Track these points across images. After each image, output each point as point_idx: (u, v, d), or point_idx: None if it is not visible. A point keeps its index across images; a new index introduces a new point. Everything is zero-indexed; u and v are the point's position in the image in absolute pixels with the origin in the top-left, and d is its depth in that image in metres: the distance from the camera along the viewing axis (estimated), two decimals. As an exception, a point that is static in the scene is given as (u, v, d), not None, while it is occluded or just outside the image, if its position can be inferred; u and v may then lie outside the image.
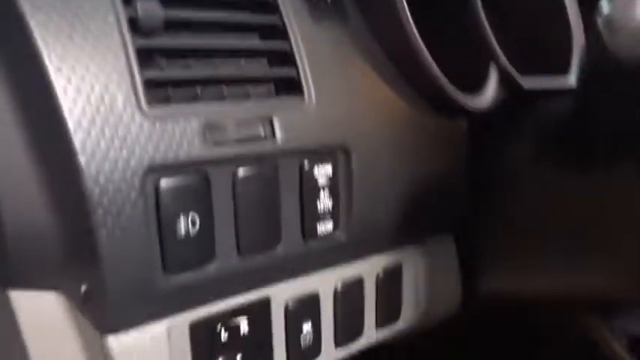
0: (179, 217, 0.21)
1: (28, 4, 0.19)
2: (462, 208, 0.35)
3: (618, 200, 0.29)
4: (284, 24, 0.25)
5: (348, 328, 0.31)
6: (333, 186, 0.26)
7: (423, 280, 0.35)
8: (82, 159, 0.19)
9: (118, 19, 0.20)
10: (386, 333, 0.34)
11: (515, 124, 0.34)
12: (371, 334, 0.32)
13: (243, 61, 0.25)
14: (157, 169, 0.21)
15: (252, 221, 0.24)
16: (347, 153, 0.27)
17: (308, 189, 0.25)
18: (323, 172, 0.26)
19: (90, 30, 0.20)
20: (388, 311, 0.33)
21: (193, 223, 0.22)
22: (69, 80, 0.19)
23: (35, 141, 0.20)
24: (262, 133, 0.23)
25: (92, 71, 0.20)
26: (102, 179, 0.19)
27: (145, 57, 0.21)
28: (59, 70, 0.19)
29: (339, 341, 0.30)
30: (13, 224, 0.21)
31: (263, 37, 0.25)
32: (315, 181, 0.26)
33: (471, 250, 0.37)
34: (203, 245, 0.22)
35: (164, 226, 0.21)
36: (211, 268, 0.23)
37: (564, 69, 0.37)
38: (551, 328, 0.43)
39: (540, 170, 0.33)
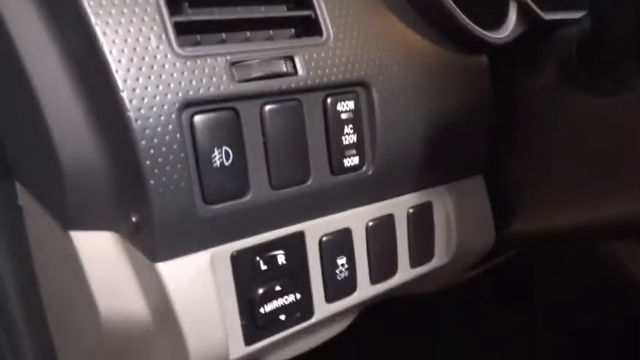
0: (214, 151, 0.23)
1: None
2: (489, 147, 0.36)
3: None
4: None
5: (382, 265, 0.32)
6: (356, 121, 0.27)
7: (455, 219, 0.36)
8: (124, 94, 0.21)
9: None
10: (420, 271, 0.35)
11: (535, 55, 0.34)
12: (405, 272, 0.34)
13: (263, 9, 0.27)
14: (190, 104, 0.23)
15: (281, 155, 0.25)
16: (367, 88, 0.28)
17: (332, 124, 0.27)
18: (346, 108, 0.27)
19: None
20: (421, 249, 0.34)
21: (227, 156, 0.24)
22: (107, 24, 0.21)
23: (82, 82, 0.23)
24: (285, 69, 0.25)
25: (127, 16, 0.22)
26: (142, 112, 0.21)
27: (174, 5, 0.23)
28: (98, 14, 0.21)
29: (374, 278, 0.32)
30: (70, 165, 0.24)
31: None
32: (339, 116, 0.27)
33: (501, 188, 0.38)
34: (237, 177, 0.24)
35: (201, 159, 0.23)
36: (247, 200, 0.25)
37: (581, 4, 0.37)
38: (583, 261, 0.43)
39: (565, 97, 0.33)
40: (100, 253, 0.26)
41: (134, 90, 0.21)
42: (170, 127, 0.22)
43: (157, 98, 0.22)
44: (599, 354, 0.70)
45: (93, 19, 0.21)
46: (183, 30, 0.23)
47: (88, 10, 0.21)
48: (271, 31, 0.26)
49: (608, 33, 0.29)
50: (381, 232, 0.32)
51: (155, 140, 0.22)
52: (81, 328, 0.30)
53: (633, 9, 0.26)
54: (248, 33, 0.26)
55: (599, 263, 0.67)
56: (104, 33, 0.21)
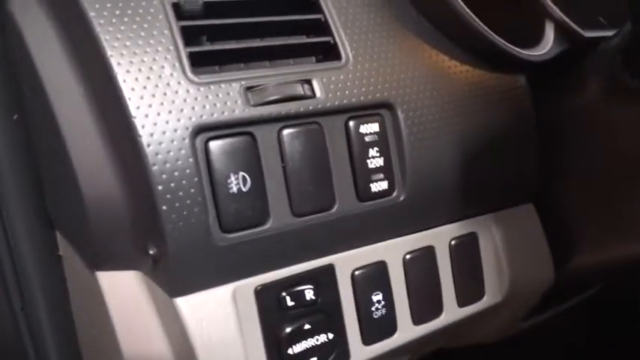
0: (230, 176, 0.23)
1: None
2: (535, 172, 0.33)
3: None
4: (330, 23, 0.27)
5: (424, 302, 0.29)
6: (381, 143, 0.26)
7: (505, 252, 0.32)
8: (136, 119, 0.21)
9: (162, 4, 0.23)
10: (470, 310, 0.31)
11: (577, 71, 0.32)
12: (453, 311, 0.30)
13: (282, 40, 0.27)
14: (204, 129, 0.22)
15: (302, 181, 0.24)
16: (392, 110, 0.27)
17: (356, 147, 0.26)
18: (370, 130, 0.26)
19: (139, 13, 0.22)
20: (469, 285, 0.31)
21: (245, 182, 0.23)
22: (122, 55, 0.22)
23: (102, 115, 0.23)
24: (302, 92, 0.24)
25: (142, 47, 0.22)
26: (154, 137, 0.21)
27: (191, 36, 0.23)
28: (113, 46, 0.22)
29: (416, 317, 0.29)
30: (93, 200, 0.24)
31: (296, 12, 0.27)
32: (363, 138, 0.26)
33: (557, 219, 0.35)
34: (256, 204, 0.23)
35: (216, 185, 0.22)
36: (267, 227, 0.24)
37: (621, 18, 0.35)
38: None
39: (615, 111, 0.30)
40: (123, 293, 0.26)
41: (146, 116, 0.21)
42: (183, 151, 0.22)
43: (170, 123, 0.21)
44: None
45: (108, 51, 0.21)
46: (201, 61, 0.23)
47: (104, 42, 0.22)
48: (291, 61, 0.26)
49: None
50: (421, 265, 0.29)
51: (167, 165, 0.21)
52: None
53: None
54: (267, 63, 0.26)
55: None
56: (118, 63, 0.21)
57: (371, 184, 0.26)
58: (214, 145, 0.22)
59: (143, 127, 0.21)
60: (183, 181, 0.22)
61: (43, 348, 0.35)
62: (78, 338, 0.34)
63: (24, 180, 0.31)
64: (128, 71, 0.21)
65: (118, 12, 0.22)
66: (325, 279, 0.26)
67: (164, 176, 0.21)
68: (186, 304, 0.23)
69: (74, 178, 0.24)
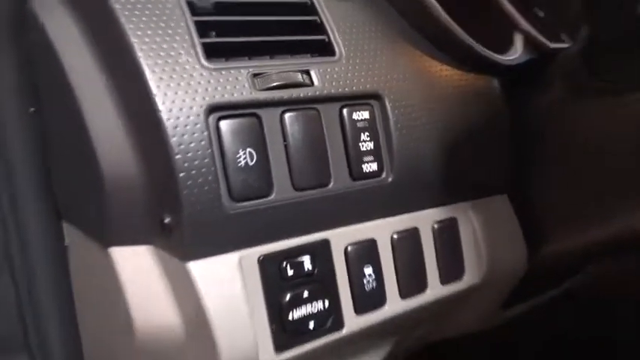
0: (239, 152, 0.25)
1: None
2: (509, 165, 0.37)
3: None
4: (312, 3, 0.30)
5: (411, 278, 0.32)
6: (371, 129, 0.29)
7: (482, 236, 0.35)
8: (157, 97, 0.24)
9: (179, 2, 0.26)
10: (451, 289, 0.34)
11: (544, 74, 0.36)
12: (436, 288, 0.33)
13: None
14: (216, 109, 0.25)
15: (302, 158, 0.27)
16: (381, 100, 0.30)
17: (349, 131, 0.29)
18: (361, 117, 0.29)
19: (158, 7, 0.25)
20: (450, 265, 0.34)
21: (251, 157, 0.26)
22: (144, 42, 0.25)
23: (122, 98, 0.26)
24: (301, 79, 0.27)
25: (162, 36, 0.25)
26: (173, 112, 0.24)
27: (203, 30, 0.27)
28: (137, 34, 0.24)
29: (403, 291, 0.32)
30: (111, 180, 0.26)
31: (295, 15, 0.30)
32: (355, 124, 0.29)
33: (529, 209, 0.38)
34: (261, 176, 0.26)
35: (227, 158, 0.25)
36: (271, 199, 0.26)
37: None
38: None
39: (574, 108, 0.34)
40: (135, 265, 0.28)
41: (165, 94, 0.24)
42: (198, 126, 0.24)
43: (186, 102, 0.24)
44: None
45: (132, 38, 0.24)
46: (212, 52, 0.26)
47: (129, 30, 0.24)
48: (289, 56, 0.29)
49: (605, 35, 0.30)
50: (407, 244, 0.32)
51: (184, 137, 0.24)
52: (116, 342, 0.31)
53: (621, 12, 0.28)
54: (268, 57, 0.29)
55: None
56: (141, 49, 0.24)
57: (362, 165, 0.29)
58: (224, 124, 0.25)
59: (163, 103, 0.24)
60: (198, 152, 0.24)
61: (46, 335, 0.37)
62: (79, 329, 0.35)
63: (35, 172, 0.33)
64: (150, 56, 0.24)
65: (139, 6, 0.25)
66: (321, 252, 0.29)
67: (181, 146, 0.24)
68: (198, 268, 0.25)
69: (94, 160, 0.26)
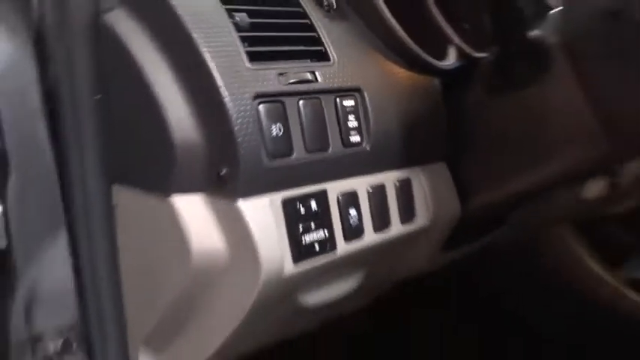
0: (271, 125, 0.37)
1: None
2: (444, 141, 0.51)
3: (547, 102, 0.45)
4: (312, 23, 0.43)
5: (380, 218, 0.45)
6: (356, 112, 0.42)
7: (428, 192, 0.50)
8: (222, 88, 0.35)
9: (227, 22, 0.38)
10: (408, 228, 0.48)
11: (471, 74, 0.51)
12: (397, 226, 0.47)
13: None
14: (257, 96, 0.37)
15: (311, 132, 0.40)
16: (361, 93, 0.43)
17: (341, 113, 0.42)
18: (349, 104, 0.42)
19: (216, 26, 0.37)
20: (406, 211, 0.48)
21: (279, 130, 0.38)
22: (209, 50, 0.36)
23: (188, 87, 0.37)
24: (309, 78, 0.40)
25: (220, 45, 0.37)
26: (233, 97, 0.36)
27: (245, 41, 0.38)
28: (202, 43, 0.36)
29: (376, 227, 0.45)
30: (180, 146, 0.37)
31: (301, 32, 0.43)
32: (345, 108, 0.42)
33: (461, 173, 0.53)
34: (286, 142, 0.38)
35: (264, 130, 0.37)
36: (292, 158, 0.39)
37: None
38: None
39: (489, 101, 0.49)
40: (192, 208, 0.39)
41: (227, 86, 0.36)
42: (248, 106, 0.36)
43: (240, 91, 0.36)
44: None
45: (201, 46, 0.36)
46: (253, 57, 0.38)
47: (198, 39, 0.36)
48: (300, 60, 0.42)
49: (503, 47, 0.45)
50: (377, 195, 0.45)
51: (240, 115, 0.36)
52: (169, 273, 0.41)
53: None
54: (287, 61, 0.41)
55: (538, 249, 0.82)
56: (208, 53, 0.36)
57: (350, 137, 0.42)
58: (262, 107, 0.37)
59: (226, 92, 0.36)
60: (249, 125, 0.36)
61: (97, 281, 0.46)
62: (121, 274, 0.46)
63: (98, 146, 0.43)
64: (214, 59, 0.36)
65: (203, 25, 0.37)
66: (322, 198, 0.41)
67: (238, 121, 0.36)
68: (244, 206, 0.37)
69: (166, 130, 0.37)
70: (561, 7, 0.42)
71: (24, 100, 0.44)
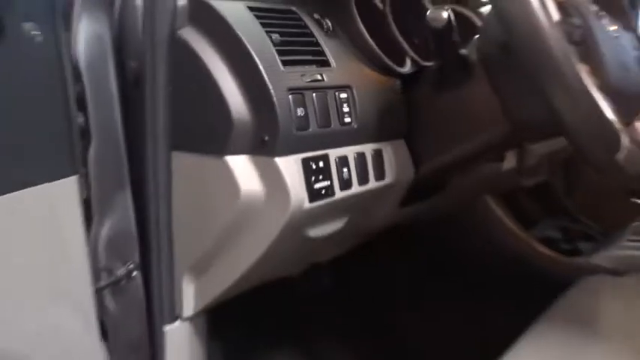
0: (297, 109, 0.57)
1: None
2: (404, 123, 0.73)
3: (470, 98, 0.67)
4: (317, 41, 0.63)
5: (362, 175, 0.66)
6: (348, 102, 0.63)
7: (392, 159, 0.71)
8: (269, 84, 0.55)
9: (265, 38, 0.57)
10: (379, 184, 0.69)
11: (421, 77, 0.73)
12: (372, 183, 0.68)
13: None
14: (289, 90, 0.57)
15: (320, 114, 0.60)
16: (351, 89, 0.64)
17: (338, 103, 0.62)
18: (344, 96, 0.63)
19: (258, 41, 0.56)
20: (379, 172, 0.69)
21: (302, 112, 0.58)
22: (260, 57, 0.55)
23: (242, 79, 0.56)
24: (320, 78, 0.60)
25: (266, 53, 0.56)
26: (276, 87, 0.55)
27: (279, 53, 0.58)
28: (256, 53, 0.55)
29: (359, 182, 0.66)
30: (237, 121, 0.56)
31: (310, 46, 0.63)
32: (341, 99, 0.62)
33: (414, 146, 0.74)
34: (307, 120, 0.58)
35: (293, 112, 0.57)
36: (310, 131, 0.59)
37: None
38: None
39: (436, 94, 0.71)
40: (241, 164, 0.58)
41: (272, 81, 0.55)
42: (284, 96, 0.56)
43: (280, 85, 0.56)
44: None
45: (255, 55, 0.55)
46: (284, 63, 0.58)
47: (253, 50, 0.55)
48: (311, 66, 0.62)
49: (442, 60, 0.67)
50: (360, 160, 0.66)
51: (280, 100, 0.55)
52: (222, 212, 0.60)
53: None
54: (305, 66, 0.61)
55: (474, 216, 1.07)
56: (260, 61, 0.55)
57: (344, 118, 0.62)
58: (292, 96, 0.57)
59: (272, 86, 0.55)
60: (284, 107, 0.56)
61: (158, 232, 0.63)
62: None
63: (167, 123, 0.61)
64: (261, 63, 0.55)
65: (251, 38, 0.56)
66: (326, 159, 0.61)
67: (279, 105, 0.55)
68: (280, 161, 0.57)
69: (226, 109, 0.56)
70: (478, 36, 0.65)
71: (104, 87, 0.62)
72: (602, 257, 0.92)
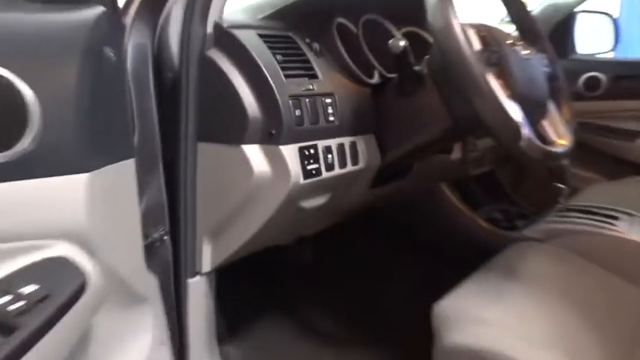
0: (296, 110, 0.78)
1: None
2: (374, 121, 0.94)
3: (423, 103, 0.90)
4: (308, 59, 0.84)
5: (341, 161, 0.87)
6: (332, 106, 0.84)
7: (365, 150, 0.92)
8: (276, 93, 0.76)
9: (270, 56, 0.78)
10: (355, 168, 0.90)
11: (386, 87, 0.94)
12: (350, 166, 0.89)
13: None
14: (290, 96, 0.78)
15: (312, 114, 0.81)
16: (333, 95, 0.85)
17: (325, 106, 0.83)
18: (328, 101, 0.84)
19: (267, 61, 0.77)
20: (354, 158, 0.90)
21: (299, 113, 0.79)
22: (270, 72, 0.76)
23: (255, 87, 0.77)
24: (311, 87, 0.81)
25: (274, 67, 0.77)
26: (281, 94, 0.76)
27: (282, 67, 0.79)
28: (267, 70, 0.76)
29: (339, 166, 0.87)
30: (250, 118, 0.77)
31: (304, 63, 0.84)
32: (327, 104, 0.83)
33: (381, 139, 0.96)
34: (302, 119, 0.79)
35: (292, 113, 0.78)
36: (304, 127, 0.80)
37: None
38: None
39: (396, 100, 0.93)
40: (254, 151, 0.79)
41: (278, 89, 0.76)
42: (286, 101, 0.77)
43: (283, 92, 0.77)
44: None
45: (266, 72, 0.76)
46: (286, 76, 0.78)
47: (264, 68, 0.76)
48: (305, 78, 0.83)
49: (401, 73, 0.89)
50: (340, 150, 0.87)
51: (284, 104, 0.76)
52: (237, 187, 0.80)
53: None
54: (301, 78, 0.82)
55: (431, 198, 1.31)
56: (269, 76, 0.76)
57: (329, 117, 0.84)
58: (291, 101, 0.78)
59: (277, 92, 0.76)
60: (287, 109, 0.77)
61: (186, 204, 0.83)
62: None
63: (194, 121, 0.81)
64: (270, 75, 0.76)
65: (263, 60, 0.76)
66: (315, 148, 0.82)
67: (283, 107, 0.76)
68: (284, 148, 0.78)
69: (244, 110, 0.76)
70: (428, 56, 0.87)
71: (144, 88, 0.81)
72: (531, 230, 1.15)
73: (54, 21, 0.54)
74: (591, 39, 1.75)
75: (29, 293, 0.44)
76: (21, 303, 0.43)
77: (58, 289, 0.47)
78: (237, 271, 0.96)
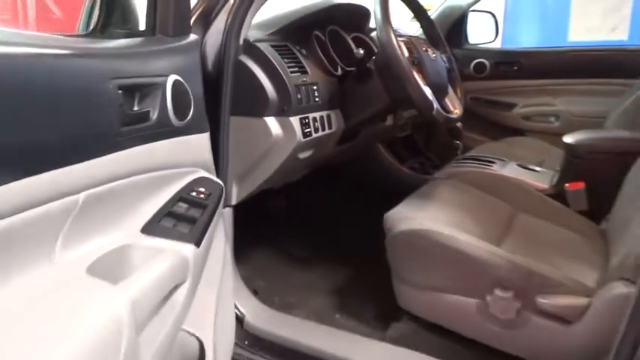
0: (297, 94, 1.23)
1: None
2: (340, 101, 1.42)
3: (372, 89, 1.38)
4: (301, 60, 1.29)
5: (322, 127, 1.34)
6: (317, 90, 1.31)
7: (334, 120, 1.40)
8: (287, 81, 1.21)
9: (283, 62, 1.23)
10: (329, 131, 1.37)
11: (347, 77, 1.42)
12: (326, 130, 1.36)
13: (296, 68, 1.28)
14: (295, 85, 1.23)
15: (306, 97, 1.27)
16: (317, 84, 1.31)
17: (313, 90, 1.29)
18: (314, 88, 1.30)
19: (280, 62, 1.22)
20: (329, 125, 1.37)
21: (300, 96, 1.24)
22: (281, 68, 1.21)
23: (274, 79, 1.21)
24: (305, 79, 1.27)
25: (284, 67, 1.21)
26: (290, 85, 1.21)
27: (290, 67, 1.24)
28: (278, 66, 1.20)
29: (322, 130, 1.34)
30: (269, 97, 1.21)
31: (299, 63, 1.29)
32: (314, 89, 1.30)
33: (343, 112, 1.43)
34: (301, 100, 1.25)
35: (295, 96, 1.23)
36: (303, 104, 1.25)
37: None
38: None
39: (354, 87, 1.41)
40: (272, 122, 1.23)
41: (287, 79, 1.21)
42: (293, 87, 1.22)
43: (290, 81, 1.22)
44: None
45: (280, 69, 1.20)
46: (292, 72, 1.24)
47: (279, 67, 1.20)
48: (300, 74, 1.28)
49: (357, 68, 1.38)
50: (322, 119, 1.34)
51: (292, 89, 1.21)
52: (259, 146, 1.24)
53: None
54: (300, 75, 1.27)
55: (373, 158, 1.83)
56: (282, 73, 1.21)
57: (316, 99, 1.30)
58: (295, 87, 1.23)
59: (288, 83, 1.20)
60: (293, 93, 1.22)
61: (224, 159, 1.26)
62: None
63: (230, 101, 1.23)
64: (283, 72, 1.20)
65: (276, 59, 1.21)
66: (308, 119, 1.28)
67: (292, 92, 1.21)
68: (292, 119, 1.23)
69: (265, 94, 1.20)
70: (375, 57, 1.35)
71: (195, 81, 1.21)
72: (440, 173, 1.70)
73: (182, 44, 0.96)
74: (478, 32, 2.35)
75: (202, 190, 0.88)
76: (202, 195, 0.86)
77: (213, 188, 0.91)
78: (244, 210, 1.40)
